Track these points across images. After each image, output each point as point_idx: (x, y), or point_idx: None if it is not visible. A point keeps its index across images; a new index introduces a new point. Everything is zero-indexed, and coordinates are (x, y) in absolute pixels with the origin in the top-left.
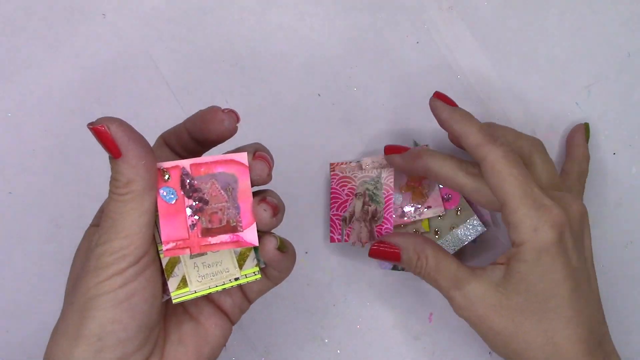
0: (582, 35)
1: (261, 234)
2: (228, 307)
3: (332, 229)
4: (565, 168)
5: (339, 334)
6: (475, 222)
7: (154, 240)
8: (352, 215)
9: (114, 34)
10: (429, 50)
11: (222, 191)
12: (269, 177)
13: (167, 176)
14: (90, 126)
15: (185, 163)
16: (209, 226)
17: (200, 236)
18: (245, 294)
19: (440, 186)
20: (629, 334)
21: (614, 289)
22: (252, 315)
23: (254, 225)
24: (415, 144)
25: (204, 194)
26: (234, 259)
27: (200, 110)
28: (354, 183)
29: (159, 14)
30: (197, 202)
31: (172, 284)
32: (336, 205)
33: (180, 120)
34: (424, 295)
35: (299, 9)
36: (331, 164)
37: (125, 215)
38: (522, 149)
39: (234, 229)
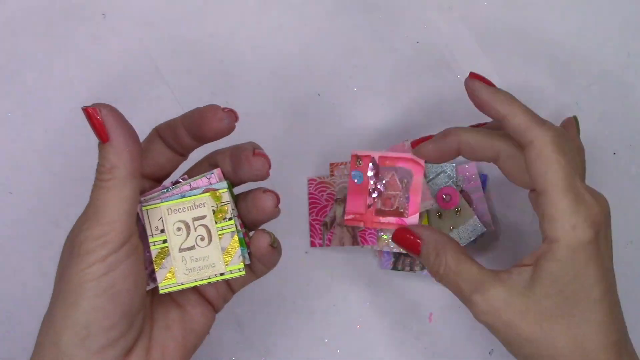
0: (582, 35)
1: (257, 231)
2: (213, 297)
3: (312, 233)
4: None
5: (339, 334)
6: (475, 222)
7: (136, 229)
8: (333, 220)
9: (114, 34)
10: (429, 50)
11: (398, 182)
12: (268, 174)
13: (359, 162)
14: (84, 108)
15: (375, 154)
16: (382, 208)
17: (374, 214)
18: (229, 285)
19: (435, 185)
20: (629, 334)
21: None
22: (252, 315)
23: (417, 214)
24: None
25: (383, 181)
26: (220, 255)
27: (199, 108)
28: (333, 188)
29: (159, 14)
30: (377, 187)
31: (160, 274)
32: (315, 210)
33: None
34: (424, 295)
35: (299, 9)
36: (331, 164)
37: (107, 201)
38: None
39: (400, 214)
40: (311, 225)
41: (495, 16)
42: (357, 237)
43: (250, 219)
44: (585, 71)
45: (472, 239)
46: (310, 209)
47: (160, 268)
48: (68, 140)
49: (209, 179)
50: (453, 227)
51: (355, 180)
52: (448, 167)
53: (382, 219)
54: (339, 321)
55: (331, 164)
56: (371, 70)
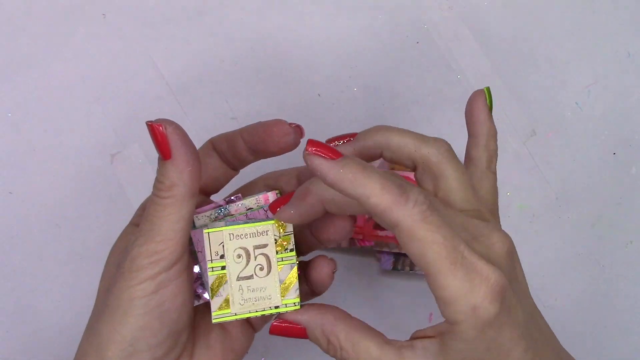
0: (582, 35)
1: (319, 257)
2: (253, 317)
3: None
4: (470, 154)
5: None
6: None
7: (188, 248)
8: None
9: (114, 34)
10: (429, 50)
11: None
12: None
13: None
14: (149, 123)
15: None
16: None
17: (372, 228)
18: None
19: None
20: (629, 334)
21: (614, 288)
22: None
23: None
24: None
25: None
26: (277, 287)
27: (263, 122)
28: None
29: (159, 14)
30: None
31: (215, 303)
32: None
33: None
34: (424, 295)
35: (299, 9)
36: None
37: (164, 219)
38: (430, 159)
39: None
40: None
41: (495, 16)
42: (354, 239)
43: (323, 238)
44: (585, 71)
45: None
46: None
47: (216, 296)
48: (68, 140)
49: (266, 211)
50: None
51: None
52: None
53: (380, 232)
54: None
55: None
56: (371, 70)
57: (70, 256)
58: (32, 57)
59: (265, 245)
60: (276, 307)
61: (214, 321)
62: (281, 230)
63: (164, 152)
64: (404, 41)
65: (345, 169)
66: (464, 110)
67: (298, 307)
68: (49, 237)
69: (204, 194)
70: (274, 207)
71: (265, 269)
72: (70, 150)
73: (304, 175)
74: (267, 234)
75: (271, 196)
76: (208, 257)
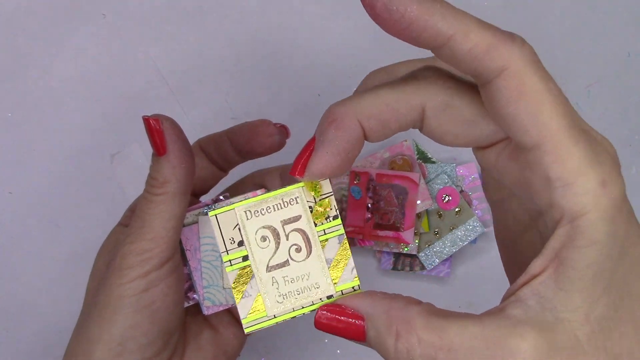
0: (582, 35)
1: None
2: None
3: None
4: None
5: None
6: (475, 222)
7: (179, 247)
8: None
9: (114, 34)
10: (429, 50)
11: (395, 198)
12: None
13: (357, 179)
14: (145, 117)
15: (373, 172)
16: (380, 222)
17: (372, 228)
18: None
19: (435, 185)
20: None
21: None
22: None
23: (412, 229)
24: (417, 145)
25: (381, 197)
26: (326, 270)
27: (248, 122)
28: None
29: (159, 14)
30: (374, 202)
31: (243, 307)
32: None
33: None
34: (424, 295)
35: (299, 9)
36: None
37: (155, 216)
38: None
39: (397, 228)
40: None
41: (495, 16)
42: (354, 238)
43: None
44: (585, 71)
45: (472, 239)
46: None
47: (242, 297)
48: (68, 140)
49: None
50: (453, 228)
51: (354, 196)
52: (448, 167)
53: (380, 232)
54: None
55: None
56: (371, 70)
57: (70, 256)
58: (32, 57)
59: (297, 218)
60: (329, 297)
61: (246, 331)
62: (315, 192)
63: (159, 148)
64: (404, 41)
65: (435, 1)
66: None
67: (359, 290)
68: (49, 237)
69: (192, 195)
70: (296, 166)
71: (304, 250)
72: (70, 150)
73: (287, 173)
74: (297, 202)
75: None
76: (222, 249)
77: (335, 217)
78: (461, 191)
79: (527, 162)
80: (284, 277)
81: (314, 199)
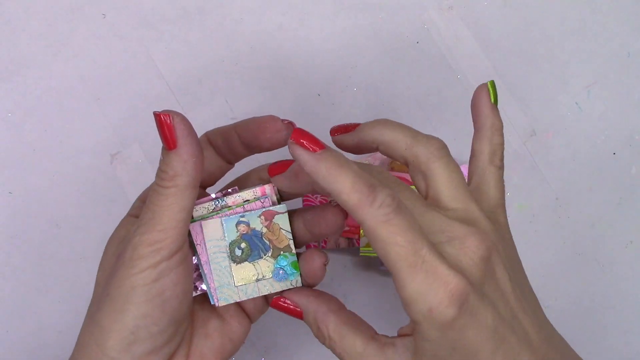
0: (582, 35)
1: (311, 249)
2: (250, 308)
3: None
4: (473, 148)
5: None
6: None
7: (188, 238)
8: None
9: (114, 34)
10: (429, 50)
11: None
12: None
13: None
14: (156, 113)
15: None
16: None
17: None
18: (267, 298)
19: None
20: (629, 334)
21: (614, 288)
22: None
23: None
24: None
25: None
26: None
27: (256, 117)
28: None
29: (159, 14)
30: None
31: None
32: None
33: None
34: None
35: (299, 9)
36: None
37: (165, 209)
38: (419, 157)
39: None
40: None
41: (495, 16)
42: (352, 238)
43: (315, 232)
44: (585, 71)
45: None
46: None
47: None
48: (68, 140)
49: (262, 202)
50: None
51: None
52: None
53: None
54: None
55: None
56: (371, 70)
57: (70, 256)
58: (32, 57)
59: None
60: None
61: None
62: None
63: (170, 142)
64: (404, 41)
65: (321, 163)
66: (469, 106)
67: (300, 284)
68: (49, 237)
69: (200, 187)
70: (272, 171)
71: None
72: (70, 150)
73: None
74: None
75: (268, 188)
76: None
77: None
78: None
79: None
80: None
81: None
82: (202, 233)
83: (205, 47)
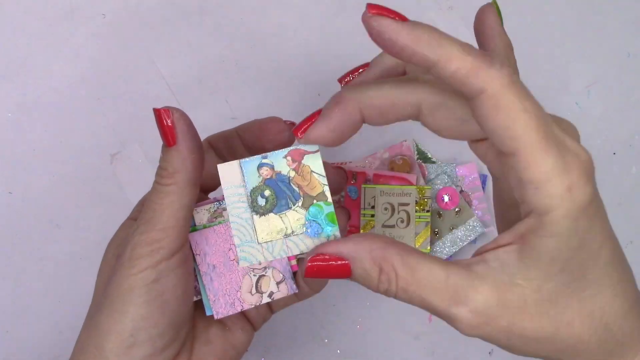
0: (582, 35)
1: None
2: (253, 316)
3: None
4: None
5: (339, 334)
6: (475, 222)
7: (188, 239)
8: None
9: (114, 34)
10: None
11: None
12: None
13: (354, 179)
14: (156, 109)
15: (370, 172)
16: None
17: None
18: (270, 306)
19: (435, 185)
20: None
21: None
22: None
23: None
24: (417, 145)
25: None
26: (413, 237)
27: (259, 119)
28: None
29: (159, 14)
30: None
31: None
32: None
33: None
34: None
35: (299, 9)
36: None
37: (165, 207)
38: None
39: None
40: None
41: None
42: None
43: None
44: (585, 71)
45: (472, 239)
46: None
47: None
48: (68, 140)
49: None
50: (453, 228)
51: (351, 196)
52: (448, 168)
53: None
54: (339, 321)
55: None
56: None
57: (70, 256)
58: (32, 57)
59: (407, 204)
60: None
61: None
62: (421, 195)
63: (169, 139)
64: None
65: (418, 28)
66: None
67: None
68: (49, 237)
69: (201, 191)
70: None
71: (405, 222)
72: (70, 150)
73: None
74: (410, 196)
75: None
76: (362, 205)
77: (427, 211)
78: (461, 191)
79: (506, 163)
80: (389, 233)
81: (419, 197)
82: (203, 243)
83: (205, 47)
